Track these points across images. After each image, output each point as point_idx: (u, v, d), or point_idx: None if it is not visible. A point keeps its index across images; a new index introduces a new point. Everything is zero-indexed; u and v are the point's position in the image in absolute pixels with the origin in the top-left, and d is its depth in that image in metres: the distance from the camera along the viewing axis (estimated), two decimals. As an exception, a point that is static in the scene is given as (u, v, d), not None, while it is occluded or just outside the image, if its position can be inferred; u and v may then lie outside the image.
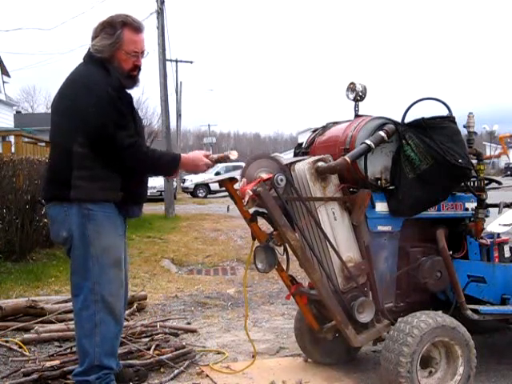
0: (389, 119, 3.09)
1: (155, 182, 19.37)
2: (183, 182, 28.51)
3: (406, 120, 3.08)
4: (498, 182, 3.70)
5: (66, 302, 4.51)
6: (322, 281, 2.89)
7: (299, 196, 2.92)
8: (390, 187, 3.07)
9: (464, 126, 3.34)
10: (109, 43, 2.84)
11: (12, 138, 10.62)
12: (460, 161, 2.95)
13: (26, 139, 10.09)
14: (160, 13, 15.29)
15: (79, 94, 2.76)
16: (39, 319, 4.24)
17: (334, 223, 2.98)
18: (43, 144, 10.51)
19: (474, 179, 3.35)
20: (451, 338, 2.86)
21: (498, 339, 3.94)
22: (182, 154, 2.96)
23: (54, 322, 4.17)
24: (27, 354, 3.70)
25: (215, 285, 6.43)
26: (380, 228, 3.07)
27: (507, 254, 3.45)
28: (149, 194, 19.30)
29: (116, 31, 2.84)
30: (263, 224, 3.10)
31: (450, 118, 3.07)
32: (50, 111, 3.05)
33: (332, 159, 2.99)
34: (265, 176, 2.74)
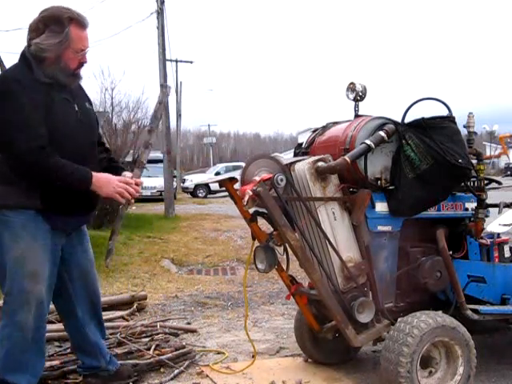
0: (389, 119, 3.09)
1: (155, 182, 19.33)
2: (183, 182, 28.53)
3: (406, 120, 3.08)
4: (498, 182, 3.70)
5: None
6: (322, 281, 2.89)
7: (299, 196, 2.92)
8: (390, 187, 3.07)
9: (464, 126, 3.34)
10: (57, 42, 2.61)
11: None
12: (460, 161, 2.95)
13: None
14: (160, 13, 15.28)
15: None
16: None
17: (334, 223, 2.98)
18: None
19: (474, 179, 3.34)
20: (451, 338, 2.86)
21: (497, 339, 3.93)
22: (93, 175, 2.66)
23: (53, 322, 4.16)
24: (27, 354, 3.70)
25: (215, 285, 6.43)
26: (380, 228, 3.07)
27: (507, 254, 3.45)
28: (149, 193, 19.21)
29: (64, 28, 2.61)
30: (263, 224, 3.10)
31: (450, 118, 3.07)
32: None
33: (332, 159, 2.99)
34: (265, 176, 2.74)
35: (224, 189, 3.34)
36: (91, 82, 15.07)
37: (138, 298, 5.05)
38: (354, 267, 2.98)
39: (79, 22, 2.67)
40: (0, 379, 2.66)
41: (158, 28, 15.34)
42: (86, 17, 2.74)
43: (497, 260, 3.38)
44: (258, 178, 2.72)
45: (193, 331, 4.36)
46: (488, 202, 3.36)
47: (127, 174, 2.94)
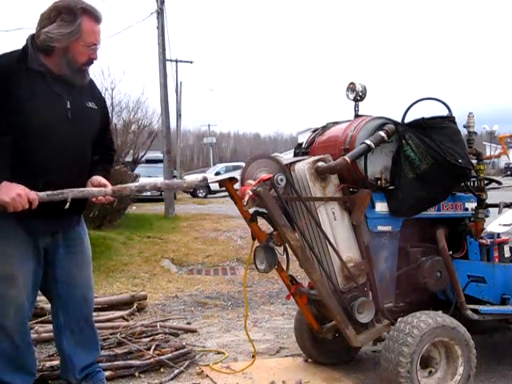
0: (389, 119, 3.09)
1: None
2: (183, 182, 28.49)
3: (406, 120, 3.08)
4: (498, 182, 3.70)
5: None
6: (322, 281, 2.89)
7: (299, 196, 2.92)
8: (390, 187, 3.07)
9: (464, 126, 3.34)
10: (68, 32, 2.48)
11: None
12: (460, 161, 2.95)
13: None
14: (160, 13, 15.26)
15: None
16: (39, 319, 4.23)
17: (334, 223, 2.98)
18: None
19: (474, 179, 3.35)
20: (451, 337, 2.86)
21: (497, 339, 3.93)
22: (4, 182, 2.42)
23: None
24: (27, 354, 3.70)
25: (215, 285, 6.44)
26: (380, 228, 3.07)
27: (507, 254, 3.45)
28: (149, 193, 19.09)
29: (76, 19, 2.49)
30: (263, 224, 3.10)
31: (449, 118, 3.07)
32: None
33: (332, 159, 2.99)
34: (265, 176, 2.74)
35: (224, 189, 3.34)
36: (91, 82, 15.04)
37: (138, 297, 5.05)
38: (354, 267, 2.98)
39: (93, 15, 2.55)
40: None
41: (157, 28, 15.32)
42: (99, 11, 2.60)
43: (497, 260, 3.38)
44: (252, 182, 2.71)
45: (193, 331, 4.36)
46: (488, 201, 3.36)
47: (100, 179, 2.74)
